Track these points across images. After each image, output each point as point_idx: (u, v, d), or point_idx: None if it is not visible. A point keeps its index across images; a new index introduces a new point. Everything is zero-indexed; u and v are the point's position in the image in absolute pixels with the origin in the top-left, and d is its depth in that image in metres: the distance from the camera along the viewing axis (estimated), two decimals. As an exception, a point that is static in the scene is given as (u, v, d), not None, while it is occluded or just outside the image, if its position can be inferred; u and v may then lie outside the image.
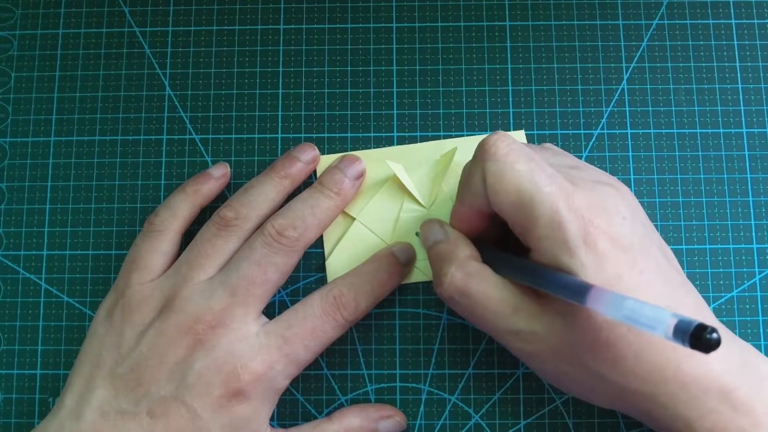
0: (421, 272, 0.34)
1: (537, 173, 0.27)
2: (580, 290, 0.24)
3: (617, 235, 0.26)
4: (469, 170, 0.30)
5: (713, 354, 0.26)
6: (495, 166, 0.28)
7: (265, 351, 0.30)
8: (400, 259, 0.33)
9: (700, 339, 0.20)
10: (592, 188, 0.28)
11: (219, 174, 0.35)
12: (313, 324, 0.31)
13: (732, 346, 0.27)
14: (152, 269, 0.32)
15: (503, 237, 0.31)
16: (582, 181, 0.28)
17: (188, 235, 0.34)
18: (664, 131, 0.36)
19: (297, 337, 0.30)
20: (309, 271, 0.35)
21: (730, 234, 0.35)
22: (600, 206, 0.27)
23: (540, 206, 0.26)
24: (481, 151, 0.29)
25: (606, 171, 0.33)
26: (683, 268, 0.34)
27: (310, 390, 0.34)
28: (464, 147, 0.35)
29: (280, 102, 0.37)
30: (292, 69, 0.37)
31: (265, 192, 0.33)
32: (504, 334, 0.28)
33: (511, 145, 0.28)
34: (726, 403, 0.26)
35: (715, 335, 0.20)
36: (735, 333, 0.33)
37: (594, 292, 0.24)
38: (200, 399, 0.29)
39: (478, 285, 0.28)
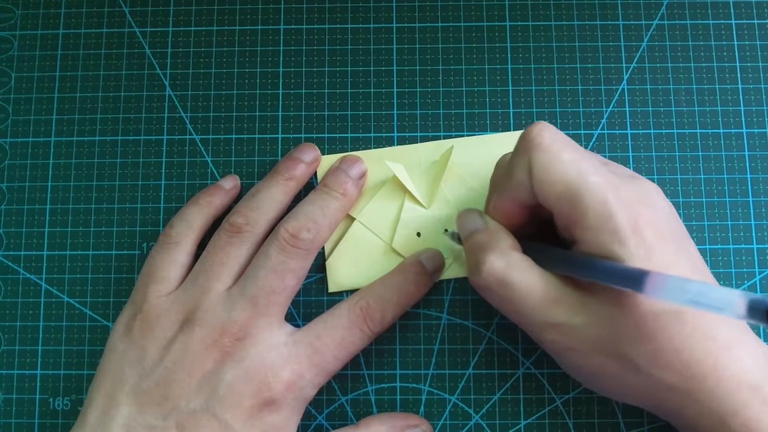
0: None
1: (583, 164, 0.27)
2: (637, 277, 0.24)
3: (662, 227, 0.27)
4: (510, 162, 0.29)
5: (744, 349, 0.26)
6: (541, 156, 0.28)
7: (295, 360, 0.30)
8: (427, 267, 0.33)
9: None
10: (632, 182, 0.28)
11: (230, 186, 0.35)
12: (342, 335, 0.31)
13: (757, 342, 0.27)
14: (170, 281, 0.32)
15: (538, 233, 0.31)
16: (621, 176, 0.28)
17: (200, 248, 0.34)
18: (664, 131, 0.36)
19: (326, 347, 0.30)
20: (309, 271, 0.35)
21: (730, 234, 0.35)
22: (643, 199, 0.27)
23: (589, 196, 0.26)
24: (525, 142, 0.28)
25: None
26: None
27: (311, 390, 0.34)
28: (463, 147, 0.35)
29: (281, 102, 0.37)
30: (292, 69, 0.37)
31: (272, 195, 0.33)
32: (541, 327, 0.28)
33: (556, 135, 0.28)
34: (756, 398, 0.26)
35: None
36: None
37: (653, 278, 0.24)
38: (232, 410, 0.29)
39: (520, 274, 0.28)
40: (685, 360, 0.26)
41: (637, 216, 0.26)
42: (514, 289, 0.28)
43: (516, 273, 0.28)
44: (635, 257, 0.26)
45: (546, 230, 0.30)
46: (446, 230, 0.34)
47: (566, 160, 0.27)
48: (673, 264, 0.26)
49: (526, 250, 0.29)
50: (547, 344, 0.29)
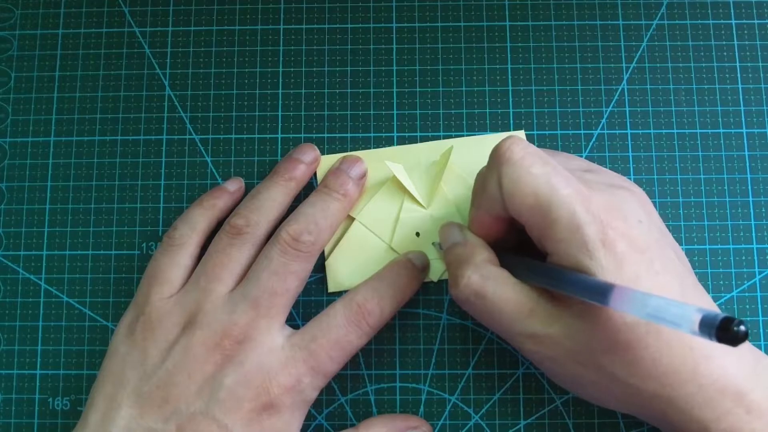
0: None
1: (553, 176, 0.27)
2: (603, 290, 0.24)
3: (634, 237, 0.26)
4: (484, 176, 0.30)
5: (728, 356, 0.26)
6: (511, 170, 0.28)
7: (291, 364, 0.30)
8: (416, 264, 0.33)
9: (727, 331, 0.20)
10: (608, 191, 0.28)
11: (234, 188, 0.35)
12: (338, 335, 0.31)
13: (745, 348, 0.27)
14: (172, 283, 0.32)
15: (520, 243, 0.31)
16: (597, 185, 0.28)
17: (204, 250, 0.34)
18: (664, 131, 0.36)
19: (322, 348, 0.30)
20: (309, 272, 0.35)
21: (730, 234, 0.35)
22: (617, 209, 0.27)
23: (558, 209, 0.26)
24: (496, 156, 0.29)
25: (606, 171, 0.33)
26: (683, 269, 0.34)
27: (310, 390, 0.34)
28: (463, 147, 0.35)
29: (280, 102, 0.37)
30: (292, 69, 0.37)
31: (273, 196, 0.33)
32: (519, 337, 0.28)
33: (526, 149, 0.28)
34: (741, 406, 0.26)
35: (742, 327, 0.20)
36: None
37: (617, 292, 0.24)
38: (231, 414, 0.29)
39: (495, 287, 0.28)
40: (664, 369, 0.26)
41: (606, 227, 0.26)
42: (490, 302, 0.28)
43: (491, 286, 0.28)
44: (605, 270, 0.26)
45: (528, 241, 0.31)
46: (434, 243, 0.34)
47: (536, 174, 0.27)
48: (645, 275, 0.26)
49: (504, 262, 0.30)
50: (527, 354, 0.29)
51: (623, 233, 0.26)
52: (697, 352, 0.26)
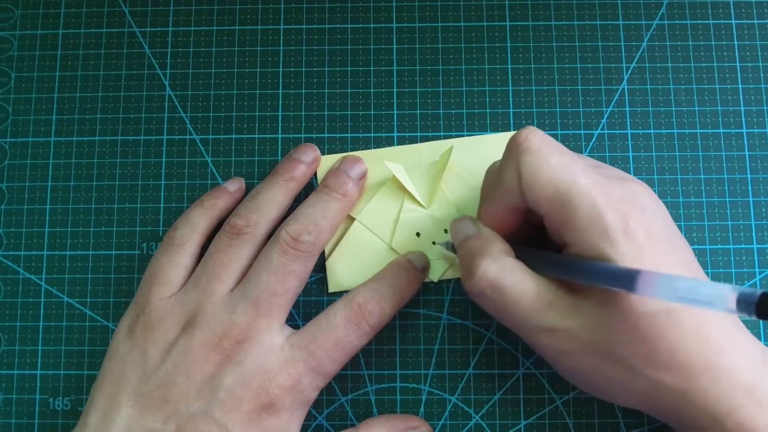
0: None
1: (572, 166, 0.27)
2: (629, 276, 0.24)
3: (652, 227, 0.27)
4: (500, 167, 0.30)
5: (739, 350, 0.26)
6: (530, 160, 0.28)
7: (291, 365, 0.30)
8: (416, 264, 0.33)
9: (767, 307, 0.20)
10: (621, 183, 0.28)
11: (234, 188, 0.35)
12: (337, 335, 0.31)
13: (753, 342, 0.27)
14: (173, 283, 0.32)
15: (530, 239, 0.31)
16: (609, 178, 0.28)
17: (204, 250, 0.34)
18: (664, 131, 0.36)
19: (321, 349, 0.30)
20: (309, 272, 0.35)
21: (730, 234, 0.35)
22: (632, 200, 0.27)
23: (578, 198, 0.27)
24: (513, 146, 0.29)
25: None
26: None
27: (310, 390, 0.34)
28: (463, 147, 0.35)
29: (280, 102, 0.37)
30: (292, 69, 0.37)
31: (272, 196, 0.33)
32: (535, 331, 0.28)
33: (544, 139, 0.28)
34: (752, 399, 0.26)
35: None
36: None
37: (644, 277, 0.24)
38: (231, 414, 0.29)
39: (512, 279, 0.28)
40: (680, 361, 0.26)
41: (626, 217, 0.26)
42: (507, 294, 0.28)
43: (508, 277, 0.28)
44: (626, 257, 0.26)
45: (538, 236, 0.30)
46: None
47: (555, 164, 0.27)
48: (664, 263, 0.26)
49: (519, 254, 0.30)
50: (542, 349, 0.29)
51: (641, 223, 0.26)
52: (714, 344, 0.26)
